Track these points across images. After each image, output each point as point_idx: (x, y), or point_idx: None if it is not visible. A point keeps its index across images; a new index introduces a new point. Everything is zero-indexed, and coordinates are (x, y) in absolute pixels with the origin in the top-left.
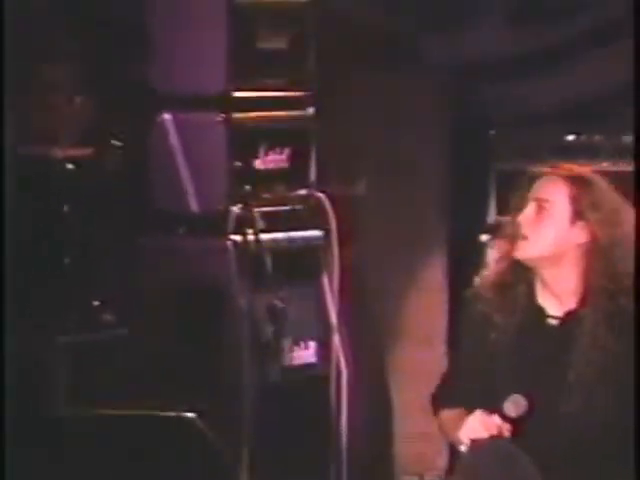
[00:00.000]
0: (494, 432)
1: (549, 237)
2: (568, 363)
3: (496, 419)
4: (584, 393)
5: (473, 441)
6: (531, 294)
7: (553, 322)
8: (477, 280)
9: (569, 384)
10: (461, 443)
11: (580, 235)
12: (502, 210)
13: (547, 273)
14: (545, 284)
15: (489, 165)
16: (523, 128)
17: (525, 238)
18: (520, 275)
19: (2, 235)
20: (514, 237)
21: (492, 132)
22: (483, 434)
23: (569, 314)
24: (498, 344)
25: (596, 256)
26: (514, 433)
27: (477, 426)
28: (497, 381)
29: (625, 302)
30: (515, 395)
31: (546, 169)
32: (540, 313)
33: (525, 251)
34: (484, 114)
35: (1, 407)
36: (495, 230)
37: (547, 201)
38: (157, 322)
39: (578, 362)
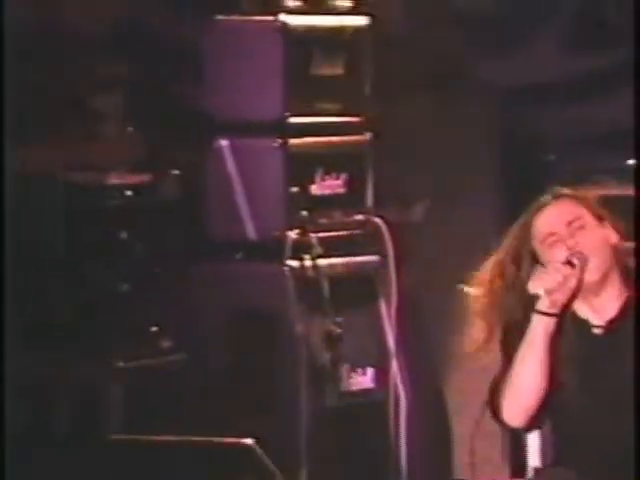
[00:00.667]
0: (561, 280)
1: (602, 248)
2: (619, 369)
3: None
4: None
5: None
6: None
7: (598, 331)
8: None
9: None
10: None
11: (611, 235)
12: None
13: (594, 293)
14: (588, 301)
15: (545, 191)
16: (580, 153)
17: (587, 260)
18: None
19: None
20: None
21: (551, 157)
22: (553, 283)
23: (612, 322)
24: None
25: (623, 255)
26: (578, 283)
27: (545, 276)
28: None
29: None
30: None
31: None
32: (586, 326)
33: (594, 274)
34: (539, 139)
35: (1, 407)
36: None
37: (577, 218)
38: (214, 348)
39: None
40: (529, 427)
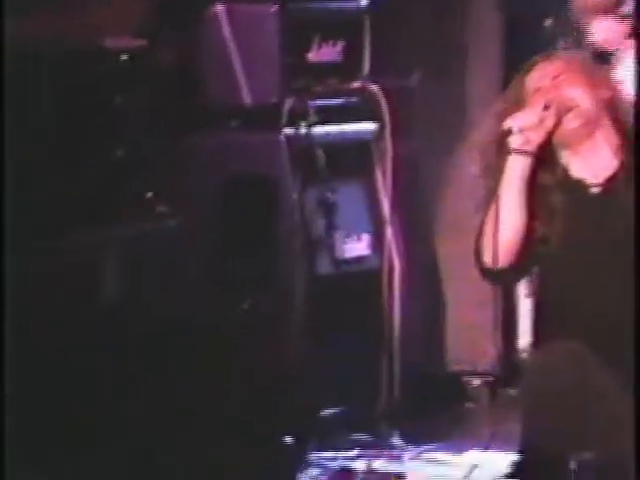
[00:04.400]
0: (535, 120)
1: (584, 98)
2: (615, 228)
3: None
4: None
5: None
6: (566, 169)
7: (595, 190)
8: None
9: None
10: (510, 132)
11: (603, 90)
12: None
13: (583, 147)
14: (581, 157)
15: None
16: (578, 20)
17: (569, 107)
18: (554, 155)
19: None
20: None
21: (548, 22)
22: (527, 122)
23: (609, 180)
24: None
25: (621, 112)
26: (555, 127)
27: (521, 115)
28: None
29: None
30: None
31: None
32: (580, 184)
33: (573, 121)
34: (538, 5)
35: (1, 404)
36: None
37: (563, 73)
38: (209, 214)
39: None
40: (512, 272)
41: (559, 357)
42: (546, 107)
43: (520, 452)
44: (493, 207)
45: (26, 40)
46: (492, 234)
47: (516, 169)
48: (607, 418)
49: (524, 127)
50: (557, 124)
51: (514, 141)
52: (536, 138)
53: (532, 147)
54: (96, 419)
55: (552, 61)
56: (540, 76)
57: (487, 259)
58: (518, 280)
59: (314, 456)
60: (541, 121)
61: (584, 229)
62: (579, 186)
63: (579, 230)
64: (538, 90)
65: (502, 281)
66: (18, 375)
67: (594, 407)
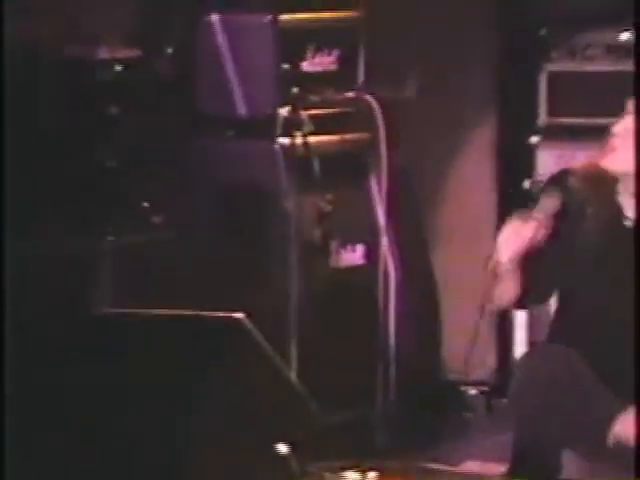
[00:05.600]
0: (529, 236)
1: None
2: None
3: (530, 224)
4: None
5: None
6: (614, 189)
7: (629, 224)
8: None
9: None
10: (499, 262)
11: None
12: (553, 112)
13: (628, 178)
14: (626, 183)
15: (540, 66)
16: (575, 28)
17: (614, 150)
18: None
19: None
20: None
21: (543, 32)
22: (519, 241)
23: None
24: (585, 234)
25: None
26: (550, 235)
27: (511, 235)
28: (575, 268)
29: None
30: (551, 190)
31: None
32: (619, 212)
33: (612, 163)
34: (535, 12)
35: (1, 399)
36: (545, 131)
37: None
38: (205, 224)
39: None
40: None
41: (545, 358)
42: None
43: (513, 456)
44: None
45: (20, 48)
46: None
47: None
48: (597, 417)
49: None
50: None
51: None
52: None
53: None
54: (96, 419)
55: None
56: None
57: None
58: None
59: (310, 465)
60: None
61: (608, 254)
62: (617, 213)
63: (602, 254)
64: None
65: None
66: (18, 375)
67: (583, 406)
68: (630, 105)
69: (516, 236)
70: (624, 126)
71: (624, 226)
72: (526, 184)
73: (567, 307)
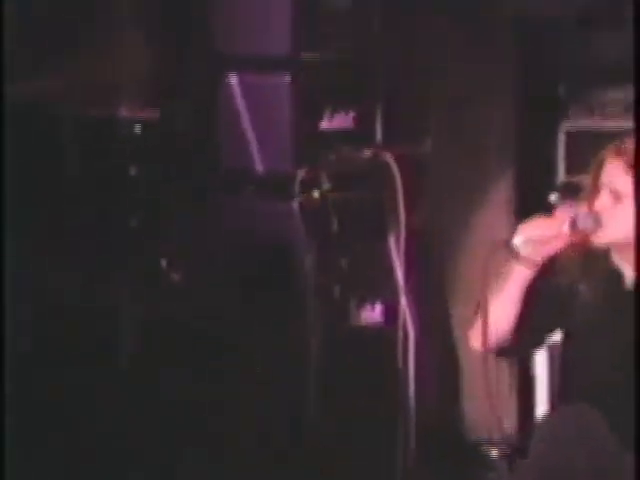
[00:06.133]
0: (553, 232)
1: (627, 227)
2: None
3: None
4: None
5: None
6: (608, 256)
7: (630, 285)
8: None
9: None
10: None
11: None
12: (571, 170)
13: (622, 246)
14: (620, 251)
15: (558, 124)
16: (593, 86)
17: (601, 226)
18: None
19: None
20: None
21: (561, 90)
22: (542, 232)
23: None
24: (583, 309)
25: None
26: (573, 244)
27: (537, 224)
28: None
29: None
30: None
31: (611, 154)
32: (619, 276)
33: (602, 239)
34: (553, 71)
35: (1, 403)
36: (564, 189)
37: (622, 193)
38: (223, 281)
39: None
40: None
41: (568, 420)
42: (572, 223)
43: None
44: (487, 303)
45: (40, 106)
46: (479, 326)
47: (517, 279)
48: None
49: (533, 239)
50: (580, 241)
51: (522, 249)
52: (545, 252)
53: (538, 258)
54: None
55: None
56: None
57: (475, 344)
58: (522, 355)
59: None
60: (556, 237)
61: (610, 315)
62: (615, 276)
63: (602, 315)
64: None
65: (504, 356)
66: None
67: (605, 467)
68: (606, 180)
69: (541, 227)
70: (605, 202)
71: (623, 287)
72: None
73: (571, 365)
